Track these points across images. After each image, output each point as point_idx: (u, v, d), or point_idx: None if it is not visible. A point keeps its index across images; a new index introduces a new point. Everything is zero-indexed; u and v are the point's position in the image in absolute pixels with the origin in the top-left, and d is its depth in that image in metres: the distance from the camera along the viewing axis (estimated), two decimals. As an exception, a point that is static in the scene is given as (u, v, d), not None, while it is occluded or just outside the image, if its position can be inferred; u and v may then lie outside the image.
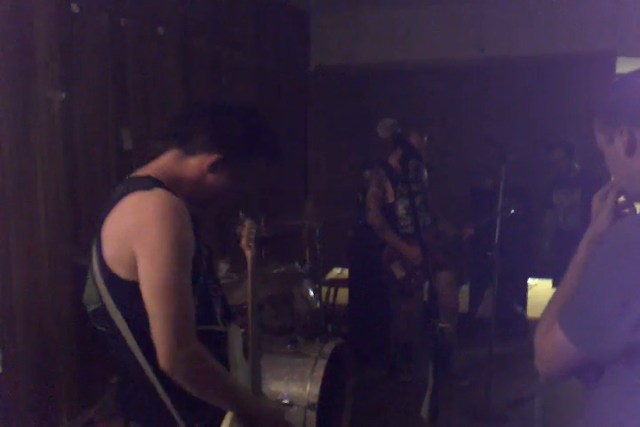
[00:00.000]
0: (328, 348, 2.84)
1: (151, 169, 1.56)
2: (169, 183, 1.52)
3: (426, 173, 4.15)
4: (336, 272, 6.17)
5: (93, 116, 3.40)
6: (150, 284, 1.40)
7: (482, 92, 5.71)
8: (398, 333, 4.17)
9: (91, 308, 3.27)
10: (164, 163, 1.58)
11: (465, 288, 5.12)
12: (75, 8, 3.22)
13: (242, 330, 1.75)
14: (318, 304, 3.64)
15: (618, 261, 1.09)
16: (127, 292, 1.46)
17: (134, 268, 1.43)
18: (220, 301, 1.65)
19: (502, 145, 3.58)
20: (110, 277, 1.48)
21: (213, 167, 1.55)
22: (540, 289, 5.60)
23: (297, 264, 3.69)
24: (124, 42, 3.62)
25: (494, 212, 3.55)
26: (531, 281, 5.23)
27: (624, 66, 5.42)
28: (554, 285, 4.52)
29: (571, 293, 1.21)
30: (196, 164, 1.56)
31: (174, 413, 1.50)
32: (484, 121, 5.64)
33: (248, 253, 1.97)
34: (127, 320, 1.48)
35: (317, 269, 3.95)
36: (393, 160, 3.93)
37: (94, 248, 1.53)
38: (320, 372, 2.70)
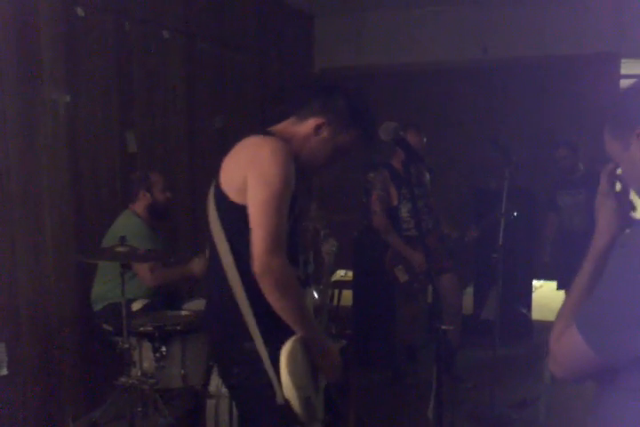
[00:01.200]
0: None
1: (273, 128, 1.86)
2: (282, 140, 1.77)
3: (428, 175, 4.14)
4: (340, 274, 6.17)
5: (98, 119, 3.41)
6: (256, 199, 1.65)
7: (485, 94, 5.71)
8: (402, 335, 4.16)
9: (97, 307, 3.30)
10: (281, 126, 1.87)
11: (469, 290, 5.11)
12: (80, 11, 3.23)
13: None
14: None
15: (638, 265, 1.07)
16: (234, 213, 1.70)
17: (244, 192, 1.68)
18: (301, 251, 1.91)
19: (506, 147, 3.57)
20: (222, 201, 1.74)
21: (318, 129, 1.83)
22: (544, 291, 5.59)
23: (301, 266, 3.69)
24: (128, 45, 3.64)
25: (497, 214, 3.54)
26: (535, 283, 5.22)
27: (628, 67, 5.41)
28: (558, 287, 4.50)
29: (585, 295, 1.19)
30: (306, 126, 1.84)
31: (254, 330, 1.68)
32: (487, 123, 5.64)
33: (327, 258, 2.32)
34: (229, 242, 1.71)
35: (321, 271, 3.95)
36: (396, 162, 3.93)
37: (213, 183, 1.80)
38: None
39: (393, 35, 5.84)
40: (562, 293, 4.49)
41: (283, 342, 1.68)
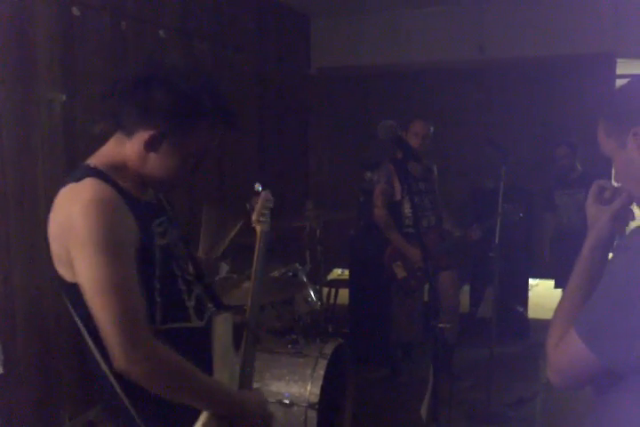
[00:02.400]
0: (328, 348, 2.85)
1: (95, 157, 1.44)
2: (112, 170, 1.39)
3: (436, 171, 4.13)
4: (337, 273, 6.19)
5: (94, 118, 3.41)
6: (89, 285, 1.28)
7: (482, 94, 5.73)
8: (399, 333, 4.17)
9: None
10: (107, 148, 1.45)
11: (466, 288, 5.13)
12: (75, 11, 3.23)
13: (237, 319, 1.65)
14: (319, 305, 3.64)
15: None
16: (74, 294, 1.34)
17: (73, 268, 1.32)
18: (195, 294, 1.51)
19: (503, 146, 3.59)
20: (58, 279, 1.38)
21: (150, 145, 1.37)
22: (541, 289, 5.61)
23: (297, 265, 3.69)
24: (124, 44, 3.64)
25: (500, 214, 3.54)
26: (532, 281, 5.24)
27: (624, 67, 5.43)
28: (556, 286, 4.52)
29: (580, 300, 1.17)
30: (134, 145, 1.39)
31: (138, 419, 1.39)
32: (484, 122, 5.65)
33: (258, 228, 1.87)
34: (82, 321, 1.37)
35: (318, 269, 3.96)
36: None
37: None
38: (321, 372, 2.70)
39: (390, 35, 5.85)
40: (559, 291, 4.51)
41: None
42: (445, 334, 3.90)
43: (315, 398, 2.63)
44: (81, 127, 3.32)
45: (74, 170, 1.43)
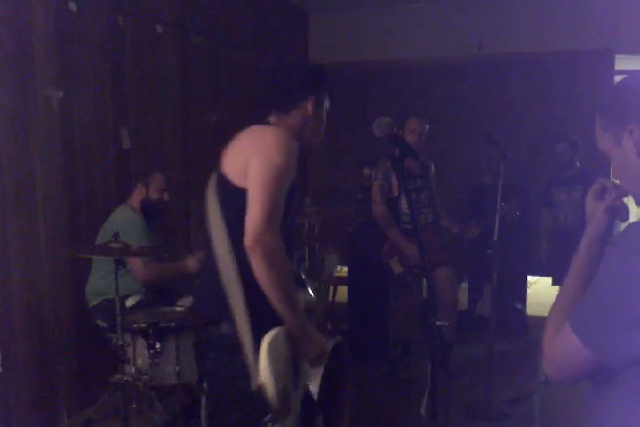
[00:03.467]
0: (327, 345, 2.84)
1: (268, 121, 1.92)
2: (283, 129, 1.86)
3: (433, 168, 4.12)
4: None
5: (92, 115, 3.40)
6: (257, 177, 1.69)
7: (480, 90, 5.71)
8: (397, 330, 4.16)
9: (92, 303, 3.27)
10: (273, 120, 1.92)
11: (464, 285, 5.12)
12: (73, 6, 3.21)
13: None
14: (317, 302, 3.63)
15: (632, 264, 1.06)
16: (235, 197, 1.73)
17: (246, 176, 1.72)
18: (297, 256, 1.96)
19: (501, 143, 3.57)
20: (223, 185, 1.78)
21: (317, 106, 1.94)
22: (539, 286, 5.61)
23: (296, 262, 3.69)
24: (122, 40, 3.62)
25: (498, 212, 3.53)
26: (530, 278, 5.23)
27: (623, 63, 5.42)
28: (553, 283, 4.52)
29: (576, 295, 1.19)
30: (299, 113, 1.92)
31: (242, 314, 1.68)
32: (482, 118, 5.64)
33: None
34: (227, 224, 1.74)
35: (316, 267, 3.95)
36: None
37: (214, 171, 1.85)
38: (319, 369, 2.69)
39: (387, 31, 5.83)
40: (557, 288, 4.51)
41: (268, 330, 1.68)
42: (443, 332, 3.90)
43: (313, 397, 2.62)
44: (78, 124, 3.31)
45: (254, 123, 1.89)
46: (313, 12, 6.05)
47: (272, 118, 1.92)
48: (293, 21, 5.92)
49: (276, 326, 1.70)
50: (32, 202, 3.02)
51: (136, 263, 3.14)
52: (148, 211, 3.35)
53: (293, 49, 5.96)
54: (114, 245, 2.78)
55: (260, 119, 1.94)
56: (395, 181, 3.87)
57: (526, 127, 5.55)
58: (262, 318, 1.69)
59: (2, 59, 2.85)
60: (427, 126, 3.89)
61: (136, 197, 3.33)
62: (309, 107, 1.92)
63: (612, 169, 1.27)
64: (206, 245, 1.83)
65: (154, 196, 3.33)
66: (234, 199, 1.74)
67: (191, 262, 3.17)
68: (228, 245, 1.73)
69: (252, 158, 1.72)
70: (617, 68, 5.39)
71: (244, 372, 1.67)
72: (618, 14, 5.13)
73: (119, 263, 2.76)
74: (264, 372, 1.63)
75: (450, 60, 5.75)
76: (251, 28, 5.07)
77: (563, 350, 1.15)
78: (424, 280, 3.80)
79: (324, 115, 2.00)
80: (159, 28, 3.91)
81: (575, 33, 5.28)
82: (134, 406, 2.80)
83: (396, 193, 3.89)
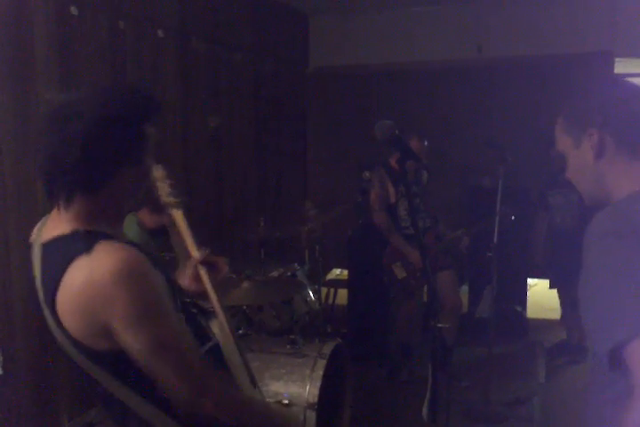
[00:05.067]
0: (327, 348, 2.84)
1: (70, 222, 1.30)
2: (97, 225, 1.31)
3: (426, 174, 4.16)
4: (335, 273, 6.18)
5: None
6: (147, 349, 1.25)
7: (480, 93, 5.72)
8: (398, 333, 4.17)
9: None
10: (71, 212, 1.30)
11: (464, 288, 5.13)
12: (73, 10, 3.23)
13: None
14: (318, 305, 3.64)
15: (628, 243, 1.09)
16: (109, 360, 1.32)
17: (111, 337, 1.25)
18: (198, 312, 1.52)
19: (501, 146, 3.59)
20: (87, 351, 1.33)
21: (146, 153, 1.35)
22: (539, 289, 5.61)
23: (296, 265, 3.70)
24: (122, 44, 3.63)
25: (491, 217, 3.55)
26: (530, 281, 5.23)
27: (622, 67, 5.43)
28: (551, 286, 4.50)
29: None
30: (119, 181, 1.31)
31: None
32: (482, 122, 5.65)
33: (176, 214, 1.58)
34: (128, 383, 1.35)
35: (317, 269, 3.96)
36: (394, 161, 3.94)
37: (48, 317, 1.34)
38: (319, 372, 2.70)
39: (387, 34, 5.84)
40: (556, 291, 4.51)
41: None
42: (444, 334, 3.91)
43: (313, 399, 2.63)
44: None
45: (65, 243, 1.28)
46: (313, 15, 6.07)
47: (82, 204, 1.28)
48: (294, 25, 5.94)
49: None
50: (33, 203, 3.03)
51: None
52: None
53: (294, 52, 5.97)
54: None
55: (67, 207, 1.28)
56: (391, 187, 3.92)
57: (526, 130, 5.56)
58: None
59: (3, 62, 2.86)
60: (426, 143, 3.94)
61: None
62: (134, 171, 1.31)
63: (567, 170, 1.32)
64: None
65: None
66: (108, 365, 1.34)
67: (181, 280, 3.12)
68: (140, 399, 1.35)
69: (117, 326, 1.23)
70: (616, 70, 5.40)
71: None
72: (617, 17, 5.14)
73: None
74: None
75: (450, 64, 5.76)
76: (251, 32, 5.08)
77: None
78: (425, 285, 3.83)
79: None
80: (160, 32, 3.93)
81: (575, 36, 5.29)
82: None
83: (393, 200, 3.93)
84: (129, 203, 1.38)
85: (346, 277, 4.96)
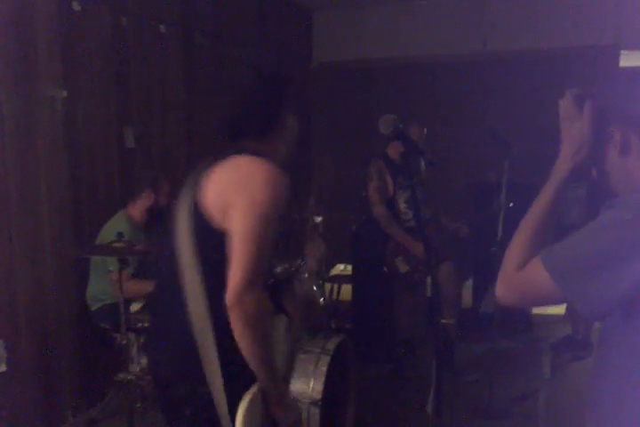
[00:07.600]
0: (331, 344, 2.84)
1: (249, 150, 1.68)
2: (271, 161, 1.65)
3: (424, 165, 4.12)
4: (339, 268, 6.17)
5: (95, 114, 3.40)
6: (242, 226, 1.51)
7: (485, 87, 5.70)
8: (402, 328, 4.16)
9: (93, 307, 3.24)
10: (251, 147, 1.69)
11: (469, 283, 5.11)
12: (76, 6, 3.22)
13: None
14: (322, 300, 3.63)
15: (621, 230, 1.12)
16: (214, 239, 1.55)
17: (227, 216, 1.54)
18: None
19: (506, 140, 3.56)
20: (200, 222, 1.57)
21: (293, 122, 1.78)
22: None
23: (300, 261, 3.68)
24: (125, 40, 3.62)
25: (492, 208, 3.54)
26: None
27: (628, 59, 5.39)
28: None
29: (540, 231, 1.33)
30: (279, 135, 1.75)
31: (215, 374, 1.52)
32: (487, 115, 5.63)
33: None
34: (203, 273, 1.55)
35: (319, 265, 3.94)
36: (392, 152, 3.91)
37: (185, 201, 1.63)
38: (323, 368, 2.69)
39: (391, 28, 5.81)
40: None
41: (244, 391, 1.56)
42: (448, 329, 3.90)
43: (317, 395, 2.62)
44: (82, 124, 3.31)
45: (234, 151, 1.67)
46: (317, 10, 6.04)
47: (249, 144, 1.70)
48: (297, 20, 5.91)
49: (250, 386, 1.58)
50: (36, 201, 3.03)
51: (114, 275, 2.98)
52: (156, 216, 3.33)
53: (297, 47, 5.95)
54: (117, 244, 2.78)
55: (235, 145, 1.73)
56: (389, 180, 3.89)
57: (531, 123, 5.53)
58: (237, 379, 1.56)
59: (5, 59, 2.86)
60: (425, 130, 3.92)
61: (141, 203, 3.31)
62: (289, 126, 1.76)
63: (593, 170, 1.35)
64: (164, 288, 1.68)
65: (163, 201, 3.32)
66: (212, 243, 1.56)
67: None
68: (202, 295, 1.54)
69: (235, 200, 1.54)
70: (622, 63, 5.37)
71: None
72: (622, 9, 5.10)
73: (123, 263, 2.76)
74: None
75: (454, 58, 5.73)
76: (254, 27, 5.06)
77: (531, 282, 1.21)
78: (428, 278, 3.80)
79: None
80: (162, 28, 3.91)
81: (580, 29, 5.25)
82: (139, 405, 2.80)
83: (391, 192, 3.90)
84: (282, 152, 1.75)
85: (350, 273, 4.95)
